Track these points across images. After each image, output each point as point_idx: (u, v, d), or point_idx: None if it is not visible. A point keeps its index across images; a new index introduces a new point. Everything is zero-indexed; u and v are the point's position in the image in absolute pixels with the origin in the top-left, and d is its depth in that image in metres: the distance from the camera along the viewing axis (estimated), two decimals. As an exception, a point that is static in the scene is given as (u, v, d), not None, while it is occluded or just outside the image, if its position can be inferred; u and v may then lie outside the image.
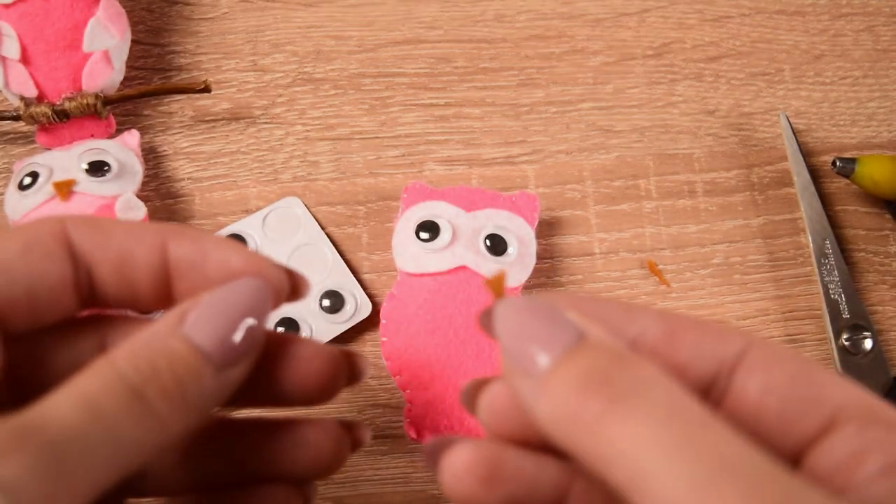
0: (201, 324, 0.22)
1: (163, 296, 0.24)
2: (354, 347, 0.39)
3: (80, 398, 0.19)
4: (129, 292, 0.24)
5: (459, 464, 0.21)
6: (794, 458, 0.20)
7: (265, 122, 0.43)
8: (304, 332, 0.38)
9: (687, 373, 0.21)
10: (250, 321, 0.22)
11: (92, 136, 0.41)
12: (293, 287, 0.24)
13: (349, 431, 0.26)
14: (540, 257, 0.39)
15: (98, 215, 0.37)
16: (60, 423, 0.19)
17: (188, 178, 0.42)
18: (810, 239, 0.40)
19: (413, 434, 0.36)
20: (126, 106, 0.43)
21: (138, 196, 0.39)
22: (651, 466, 0.17)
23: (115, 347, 0.21)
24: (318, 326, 0.38)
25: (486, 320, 0.21)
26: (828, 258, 0.40)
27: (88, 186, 0.38)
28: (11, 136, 0.42)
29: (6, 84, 0.40)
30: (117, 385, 0.20)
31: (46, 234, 0.22)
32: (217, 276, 0.23)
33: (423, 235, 0.38)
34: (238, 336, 0.22)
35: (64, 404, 0.19)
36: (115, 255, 0.23)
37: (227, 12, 0.45)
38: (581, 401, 0.18)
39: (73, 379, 0.20)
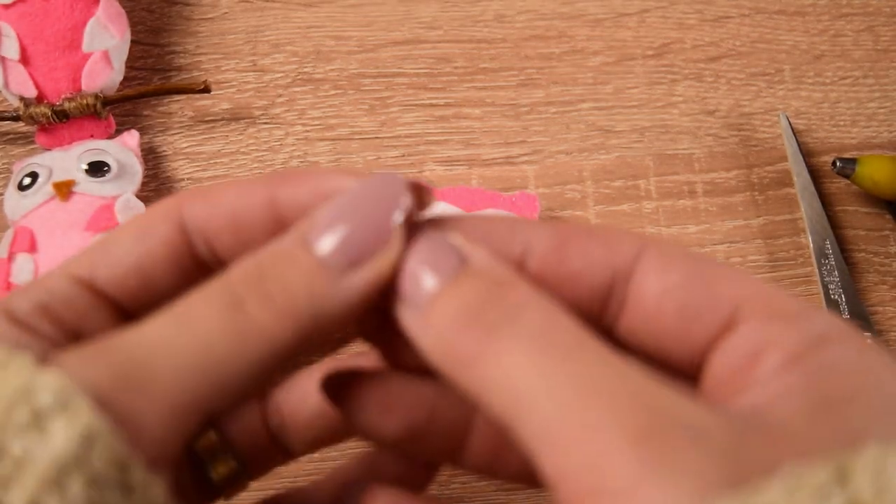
0: (323, 224, 0.19)
1: None
2: (354, 348, 0.39)
3: (174, 309, 0.18)
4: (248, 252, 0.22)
5: (357, 394, 0.20)
6: (697, 361, 0.19)
7: (265, 123, 0.43)
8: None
9: (580, 284, 0.20)
10: (383, 216, 0.19)
11: (91, 136, 0.41)
12: (419, 199, 0.21)
13: None
14: (540, 258, 0.39)
15: (100, 212, 0.37)
16: (147, 334, 0.18)
17: (188, 179, 0.42)
18: (810, 239, 0.40)
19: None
20: (126, 106, 0.43)
21: (138, 196, 0.38)
22: (523, 393, 0.17)
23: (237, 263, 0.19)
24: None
25: None
26: (828, 258, 0.40)
27: (88, 187, 0.38)
28: (11, 136, 0.42)
29: (6, 84, 0.40)
30: (216, 294, 0.18)
31: (157, 216, 0.21)
32: None
33: (423, 236, 0.37)
34: (364, 234, 0.19)
35: (158, 317, 0.18)
36: (227, 220, 0.21)
37: (226, 12, 0.45)
38: (458, 336, 0.18)
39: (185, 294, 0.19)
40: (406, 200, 0.20)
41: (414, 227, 0.20)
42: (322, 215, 0.19)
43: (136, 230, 0.21)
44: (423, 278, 0.19)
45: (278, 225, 0.21)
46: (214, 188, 0.22)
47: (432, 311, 0.18)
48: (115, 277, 0.21)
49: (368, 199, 0.20)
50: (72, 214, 0.37)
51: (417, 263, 0.19)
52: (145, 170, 0.40)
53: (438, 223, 0.20)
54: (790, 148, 0.42)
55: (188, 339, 0.18)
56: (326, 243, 0.19)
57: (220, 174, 0.42)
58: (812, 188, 0.41)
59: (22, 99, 0.40)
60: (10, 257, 0.36)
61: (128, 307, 0.21)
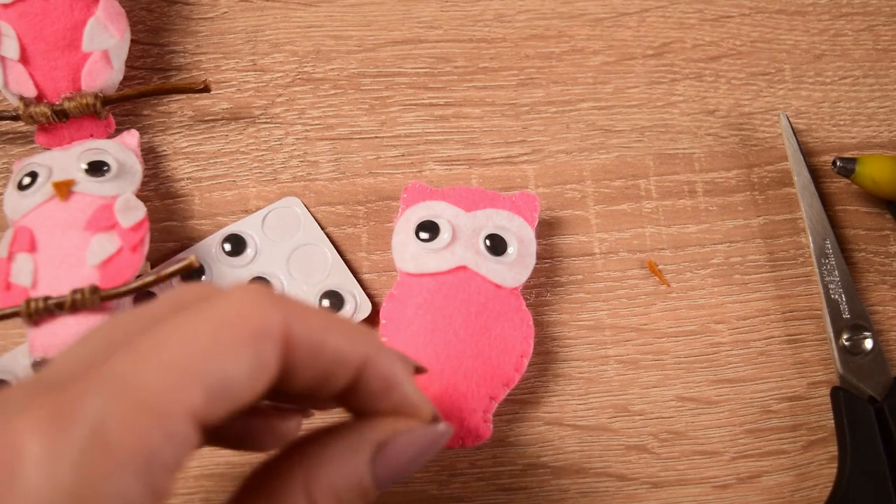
0: (391, 463, 0.25)
1: (343, 398, 0.26)
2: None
3: None
4: (317, 391, 0.25)
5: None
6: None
7: (265, 122, 0.43)
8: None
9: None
10: (427, 457, 0.26)
11: (91, 135, 0.41)
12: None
13: None
14: (540, 257, 0.39)
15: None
16: None
17: (188, 178, 0.42)
18: (810, 239, 0.40)
19: (413, 434, 0.36)
20: (125, 106, 0.43)
21: (138, 196, 0.38)
22: None
23: (316, 473, 0.24)
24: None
25: None
26: (828, 258, 0.40)
27: (88, 186, 0.38)
28: (10, 136, 0.42)
29: (5, 84, 0.40)
30: None
31: (270, 339, 0.23)
32: (397, 408, 0.26)
33: (423, 235, 0.38)
34: (411, 468, 0.26)
35: None
36: (323, 366, 0.24)
37: (226, 12, 0.45)
38: None
39: None
40: (439, 448, 0.27)
41: None
42: (393, 456, 0.25)
43: (253, 359, 0.22)
44: None
45: (351, 385, 0.26)
46: (325, 322, 0.24)
47: None
48: (224, 412, 0.22)
49: (425, 447, 0.26)
50: (71, 214, 0.37)
51: None
52: (145, 169, 0.40)
53: None
54: (790, 147, 0.42)
55: None
56: (388, 479, 0.25)
57: (219, 173, 0.42)
58: (812, 188, 0.41)
59: (21, 98, 0.40)
60: (10, 257, 0.36)
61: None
